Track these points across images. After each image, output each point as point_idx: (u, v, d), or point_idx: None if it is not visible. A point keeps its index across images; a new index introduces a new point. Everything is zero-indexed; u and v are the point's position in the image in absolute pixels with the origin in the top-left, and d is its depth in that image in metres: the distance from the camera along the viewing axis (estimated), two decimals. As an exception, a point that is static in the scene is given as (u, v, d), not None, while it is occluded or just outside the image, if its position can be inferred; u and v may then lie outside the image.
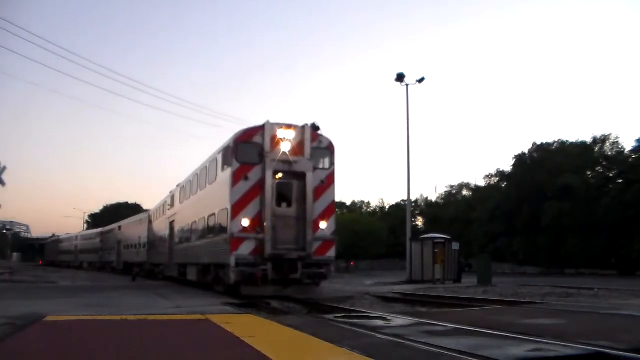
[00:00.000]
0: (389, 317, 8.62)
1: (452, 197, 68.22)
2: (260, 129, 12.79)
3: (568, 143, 48.81)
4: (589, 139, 47.77)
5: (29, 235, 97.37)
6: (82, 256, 49.33)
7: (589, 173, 46.04)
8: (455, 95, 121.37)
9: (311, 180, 12.74)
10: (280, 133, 12.70)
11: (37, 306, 9.11)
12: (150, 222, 27.66)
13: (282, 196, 12.82)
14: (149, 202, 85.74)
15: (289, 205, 12.83)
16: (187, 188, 18.65)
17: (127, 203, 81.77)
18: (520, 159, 49.62)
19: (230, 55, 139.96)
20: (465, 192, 67.35)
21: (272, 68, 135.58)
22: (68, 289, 16.07)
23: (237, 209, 12.30)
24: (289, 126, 12.91)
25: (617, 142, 46.39)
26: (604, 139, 46.92)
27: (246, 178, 12.38)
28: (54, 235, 77.29)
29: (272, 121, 12.87)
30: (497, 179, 56.54)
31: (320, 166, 13.39)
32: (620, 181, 41.81)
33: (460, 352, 5.11)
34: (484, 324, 7.31)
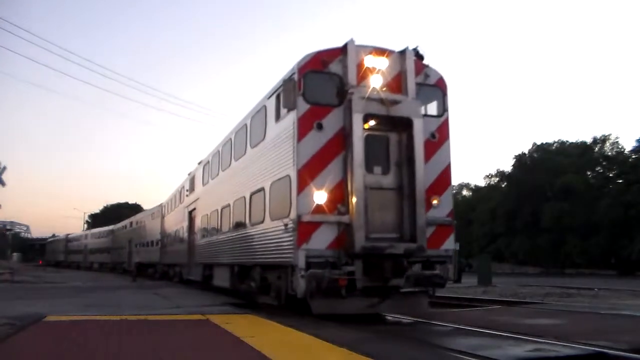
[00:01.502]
0: (389, 317, 8.64)
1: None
2: (339, 52, 8.30)
3: (568, 143, 48.93)
4: (589, 139, 47.87)
5: (29, 235, 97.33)
6: (92, 256, 45.78)
7: (589, 173, 46.03)
8: (455, 95, 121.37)
9: (420, 131, 8.22)
10: (369, 60, 8.34)
11: (37, 306, 9.02)
12: (163, 215, 24.05)
13: (375, 157, 8.28)
14: (149, 202, 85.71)
15: (386, 170, 8.34)
16: (215, 162, 14.05)
17: (127, 203, 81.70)
18: (520, 159, 49.70)
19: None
20: (465, 192, 67.28)
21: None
22: (68, 289, 15.96)
23: (307, 175, 7.83)
24: (381, 50, 8.50)
25: (617, 142, 46.42)
26: (604, 139, 46.93)
27: (319, 127, 7.98)
28: (54, 235, 77.26)
29: (356, 41, 8.39)
30: (497, 179, 56.51)
31: (428, 112, 8.84)
32: (620, 181, 41.88)
33: (461, 352, 5.11)
34: (484, 324, 7.32)
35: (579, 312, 9.34)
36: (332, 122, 8.09)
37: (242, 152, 11.18)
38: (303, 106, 8.03)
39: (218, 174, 13.63)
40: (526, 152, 50.22)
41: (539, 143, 50.11)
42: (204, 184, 15.60)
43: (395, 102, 8.15)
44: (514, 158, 50.45)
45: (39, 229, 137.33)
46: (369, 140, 8.10)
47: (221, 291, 13.80)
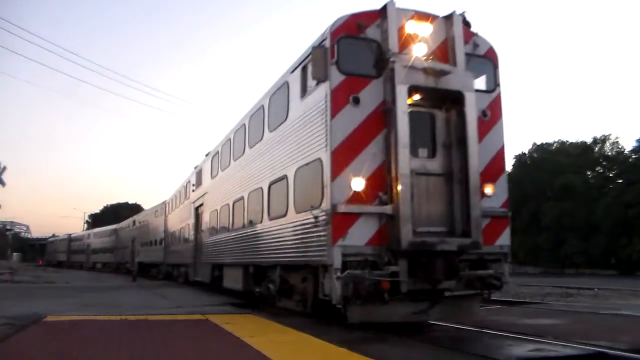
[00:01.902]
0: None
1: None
2: (376, 15, 7.13)
3: (568, 143, 48.76)
4: (589, 139, 47.77)
5: (29, 235, 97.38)
6: (95, 256, 44.26)
7: (589, 173, 45.90)
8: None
9: (473, 107, 7.01)
10: (411, 26, 7.15)
11: (37, 306, 8.97)
12: (166, 213, 22.98)
13: (420, 137, 7.04)
14: (149, 203, 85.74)
15: (431, 153, 7.14)
16: (226, 152, 12.75)
17: (127, 203, 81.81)
18: (520, 159, 49.59)
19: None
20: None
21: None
22: (68, 289, 15.95)
23: (343, 158, 6.61)
24: (424, 15, 7.32)
25: (617, 142, 46.27)
26: (604, 139, 46.73)
27: (356, 101, 6.78)
28: (54, 235, 77.26)
29: (396, 4, 7.17)
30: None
31: (478, 87, 7.45)
32: (620, 181, 41.74)
33: (461, 352, 5.11)
34: (484, 323, 7.30)
35: (579, 312, 9.29)
36: (370, 95, 6.86)
37: (258, 138, 9.85)
38: (337, 77, 6.80)
39: (229, 165, 12.32)
40: (526, 152, 50.17)
41: (539, 143, 50.05)
42: (212, 177, 14.27)
43: (443, 73, 6.91)
44: (514, 158, 50.27)
45: (39, 229, 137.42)
46: (412, 118, 6.81)
47: (225, 292, 13.29)
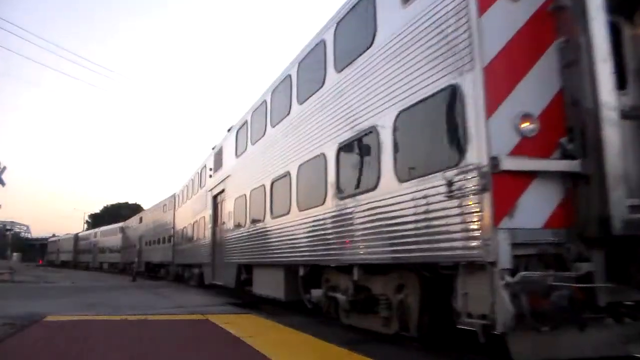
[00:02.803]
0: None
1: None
2: None
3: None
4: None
5: (29, 235, 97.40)
6: (102, 256, 41.84)
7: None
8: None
9: None
10: None
11: (37, 306, 8.92)
12: (176, 207, 20.68)
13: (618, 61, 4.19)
14: (149, 203, 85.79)
15: (621, 84, 4.28)
16: (258, 120, 9.92)
17: (127, 203, 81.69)
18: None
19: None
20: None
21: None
22: (68, 289, 15.98)
23: (502, 80, 4.00)
24: None
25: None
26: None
27: None
28: (54, 235, 77.26)
29: None
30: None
31: None
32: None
33: (463, 353, 5.11)
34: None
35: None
36: None
37: (316, 85, 7.06)
38: None
39: (264, 135, 9.47)
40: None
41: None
42: (238, 155, 11.39)
43: None
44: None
45: (39, 229, 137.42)
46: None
47: (225, 292, 12.64)
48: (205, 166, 15.23)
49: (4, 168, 22.79)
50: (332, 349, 5.07)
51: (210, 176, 14.33)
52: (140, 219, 30.41)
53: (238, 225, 11.05)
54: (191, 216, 17.17)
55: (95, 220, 75.45)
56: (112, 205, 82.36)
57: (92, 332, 6.21)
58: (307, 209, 7.15)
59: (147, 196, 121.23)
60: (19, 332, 5.96)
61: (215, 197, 13.65)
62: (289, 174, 7.96)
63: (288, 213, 7.93)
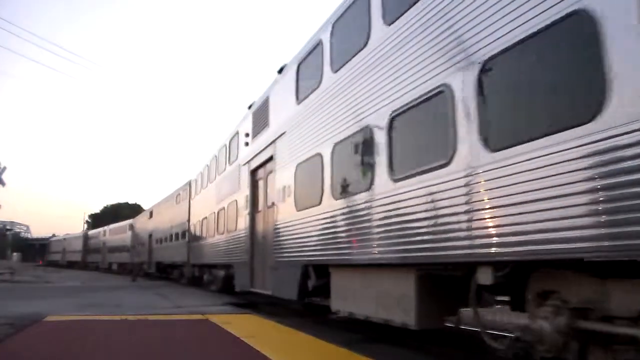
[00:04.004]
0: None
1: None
2: None
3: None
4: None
5: (29, 235, 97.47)
6: (111, 255, 38.31)
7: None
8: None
9: None
10: None
11: (37, 306, 8.83)
12: (191, 196, 17.65)
13: None
14: (149, 203, 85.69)
15: None
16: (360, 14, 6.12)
17: (127, 203, 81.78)
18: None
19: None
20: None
21: None
22: (68, 289, 15.98)
23: None
24: None
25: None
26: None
27: None
28: (54, 235, 77.24)
29: None
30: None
31: None
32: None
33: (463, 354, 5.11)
34: (484, 323, 7.29)
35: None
36: None
37: None
38: None
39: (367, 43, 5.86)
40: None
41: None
42: (302, 98, 7.79)
43: None
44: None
45: (39, 229, 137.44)
46: None
47: (225, 292, 12.17)
48: (236, 134, 11.65)
49: (4, 168, 22.81)
50: (332, 349, 5.06)
51: (247, 144, 10.69)
52: (151, 213, 26.85)
53: (305, 204, 7.31)
54: (214, 203, 13.62)
55: (95, 220, 75.46)
56: (112, 205, 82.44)
57: (93, 332, 6.20)
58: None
59: (147, 196, 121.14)
60: (19, 332, 5.95)
61: (254, 172, 10.21)
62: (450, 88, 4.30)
63: (450, 162, 4.25)
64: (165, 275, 22.13)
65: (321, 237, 6.75)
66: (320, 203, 6.79)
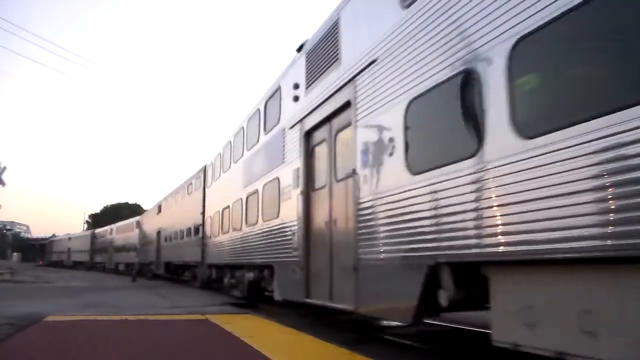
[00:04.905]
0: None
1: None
2: None
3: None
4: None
5: (29, 235, 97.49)
6: (118, 255, 36.25)
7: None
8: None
9: None
10: None
11: (37, 306, 8.77)
12: (207, 184, 14.90)
13: None
14: (148, 203, 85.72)
15: None
16: None
17: (127, 203, 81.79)
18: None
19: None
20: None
21: None
22: (68, 289, 15.99)
23: None
24: None
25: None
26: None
27: None
28: (54, 235, 77.25)
29: None
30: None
31: None
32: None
33: (464, 356, 5.12)
34: (485, 323, 7.29)
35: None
36: None
37: None
38: None
39: None
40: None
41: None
42: (409, 2, 4.83)
43: None
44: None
45: (39, 229, 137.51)
46: None
47: (223, 292, 12.41)
48: (277, 90, 9.00)
49: (4, 168, 22.75)
50: (332, 349, 5.06)
51: (296, 99, 7.98)
52: (159, 208, 24.00)
53: (431, 163, 4.36)
54: (240, 188, 10.88)
55: (96, 220, 75.49)
56: (112, 206, 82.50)
57: (93, 332, 6.20)
58: None
59: (147, 196, 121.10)
60: (19, 332, 5.95)
61: (308, 135, 7.52)
62: None
63: None
64: (175, 277, 19.86)
65: (477, 216, 3.79)
66: (476, 153, 3.82)
